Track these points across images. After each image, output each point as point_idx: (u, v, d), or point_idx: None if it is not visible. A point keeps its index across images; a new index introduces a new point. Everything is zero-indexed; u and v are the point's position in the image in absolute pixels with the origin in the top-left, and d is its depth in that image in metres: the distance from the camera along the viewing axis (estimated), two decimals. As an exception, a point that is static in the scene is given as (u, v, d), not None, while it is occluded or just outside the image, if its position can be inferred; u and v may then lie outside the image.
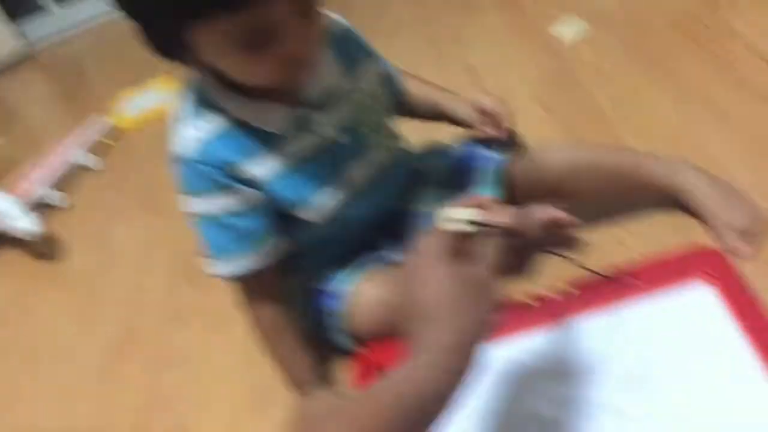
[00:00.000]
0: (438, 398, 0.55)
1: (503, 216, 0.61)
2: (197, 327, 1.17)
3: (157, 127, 1.84)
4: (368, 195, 0.90)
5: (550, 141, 1.23)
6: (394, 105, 0.97)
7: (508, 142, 0.96)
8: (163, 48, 0.74)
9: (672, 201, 0.97)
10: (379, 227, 0.96)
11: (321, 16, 0.74)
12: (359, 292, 0.87)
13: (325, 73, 0.84)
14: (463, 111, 0.96)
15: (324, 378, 0.92)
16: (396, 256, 0.95)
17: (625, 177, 0.96)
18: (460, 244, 0.60)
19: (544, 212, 0.96)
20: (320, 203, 0.86)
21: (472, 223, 0.58)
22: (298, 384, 0.91)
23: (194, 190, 0.82)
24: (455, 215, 0.58)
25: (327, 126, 0.84)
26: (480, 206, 0.61)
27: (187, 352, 1.13)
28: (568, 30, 1.52)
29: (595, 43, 1.46)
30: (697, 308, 0.78)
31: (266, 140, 0.81)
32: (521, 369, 0.79)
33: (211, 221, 0.83)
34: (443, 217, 0.59)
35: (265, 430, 0.94)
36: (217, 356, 1.10)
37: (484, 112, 0.94)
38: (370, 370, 0.83)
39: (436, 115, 1.01)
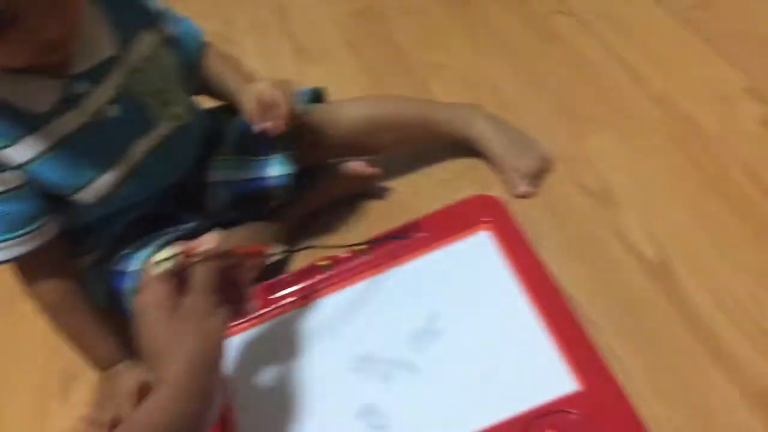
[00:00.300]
0: (190, 420, 0.60)
1: (206, 244, 0.66)
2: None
3: None
4: (153, 170, 0.85)
5: (349, 85, 1.24)
6: (185, 74, 0.90)
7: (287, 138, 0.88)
8: None
9: (468, 148, 1.01)
10: (175, 198, 0.92)
11: None
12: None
13: (96, 44, 0.77)
14: (246, 103, 0.85)
15: (124, 353, 0.89)
16: (191, 226, 0.92)
17: (419, 128, 0.99)
18: (173, 283, 0.64)
19: (345, 166, 0.99)
20: (93, 185, 0.81)
21: (175, 258, 0.63)
22: (98, 362, 0.89)
23: None
24: (157, 259, 0.63)
25: (97, 100, 0.78)
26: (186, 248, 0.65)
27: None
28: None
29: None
30: (477, 256, 0.82)
31: (26, 119, 0.74)
32: (313, 333, 0.80)
33: None
34: (149, 264, 0.63)
35: (72, 412, 0.91)
36: (16, 341, 1.04)
37: (263, 105, 0.84)
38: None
39: (228, 101, 0.94)
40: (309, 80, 1.28)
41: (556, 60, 1.14)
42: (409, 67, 1.23)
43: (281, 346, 0.80)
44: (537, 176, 0.96)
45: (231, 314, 0.67)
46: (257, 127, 0.83)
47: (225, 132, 0.95)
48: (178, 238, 0.87)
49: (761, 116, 0.94)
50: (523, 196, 0.95)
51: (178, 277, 0.64)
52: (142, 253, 0.86)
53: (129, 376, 0.87)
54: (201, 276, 0.65)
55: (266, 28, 1.48)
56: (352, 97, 1.17)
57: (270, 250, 0.76)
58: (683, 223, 0.86)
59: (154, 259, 0.63)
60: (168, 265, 0.63)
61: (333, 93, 1.03)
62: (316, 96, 0.99)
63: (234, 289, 0.69)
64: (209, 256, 0.65)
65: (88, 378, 0.94)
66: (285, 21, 1.47)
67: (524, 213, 0.93)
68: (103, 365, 0.88)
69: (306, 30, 1.43)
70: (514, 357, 0.72)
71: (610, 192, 0.92)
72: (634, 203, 0.90)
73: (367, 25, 1.37)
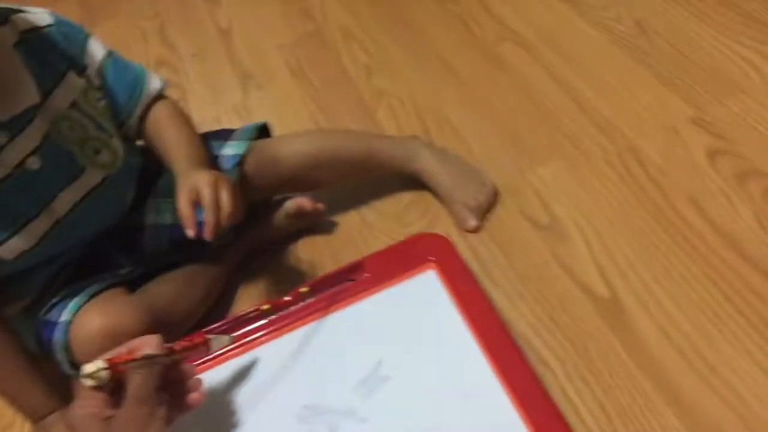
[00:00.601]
0: None
1: (145, 348, 0.62)
2: None
3: None
4: (79, 221, 0.81)
5: (294, 111, 1.21)
6: (121, 119, 0.85)
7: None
8: None
9: (415, 180, 0.99)
10: (110, 238, 0.88)
11: None
12: (79, 323, 0.79)
13: (17, 93, 0.72)
14: (179, 196, 0.75)
15: (58, 402, 0.84)
16: (125, 271, 0.88)
17: (362, 163, 0.97)
18: (106, 392, 0.60)
19: (290, 203, 0.96)
20: (9, 243, 0.76)
21: (105, 369, 0.59)
22: (29, 412, 0.83)
23: None
24: (88, 371, 0.58)
25: (17, 153, 0.73)
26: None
27: None
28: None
29: (346, 2, 1.43)
30: (423, 296, 0.79)
31: None
32: (255, 382, 0.77)
33: None
34: (81, 376, 0.59)
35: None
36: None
37: (194, 207, 0.75)
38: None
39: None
40: (254, 106, 1.27)
41: (503, 87, 1.13)
42: (355, 94, 1.21)
43: (222, 397, 0.76)
44: (485, 209, 0.95)
45: (173, 410, 0.63)
46: (188, 233, 0.73)
47: (164, 173, 0.91)
48: (111, 285, 0.84)
49: (707, 147, 0.94)
50: (472, 231, 0.93)
51: (115, 382, 0.60)
52: (72, 303, 0.81)
53: (63, 427, 0.83)
54: (137, 384, 0.60)
55: (209, 53, 1.44)
56: (296, 129, 1.16)
57: (213, 339, 0.72)
58: (631, 257, 0.85)
59: (85, 371, 0.58)
60: (101, 376, 0.58)
61: (278, 119, 1.02)
62: (261, 132, 0.96)
63: (175, 385, 0.65)
64: (149, 362, 0.61)
65: (20, 429, 0.89)
66: (228, 46, 1.44)
67: (473, 248, 0.92)
68: (35, 416, 0.83)
69: (250, 56, 1.40)
70: (462, 405, 0.70)
71: (559, 224, 0.91)
72: (583, 236, 0.89)
73: (312, 51, 1.35)
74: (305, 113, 1.21)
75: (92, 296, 0.81)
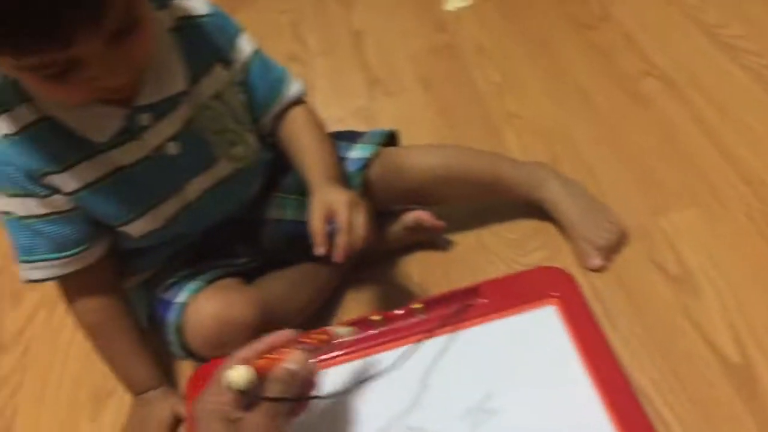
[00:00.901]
0: None
1: (290, 364, 0.61)
2: (32, 305, 1.08)
3: None
4: (206, 208, 0.82)
5: (420, 123, 1.20)
6: (256, 116, 0.86)
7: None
8: None
9: (539, 209, 0.96)
10: (229, 228, 0.88)
11: (147, 28, 0.64)
12: (194, 307, 0.80)
13: (167, 78, 0.73)
14: (313, 212, 0.76)
15: (161, 379, 0.86)
16: (242, 261, 0.89)
17: (489, 185, 0.94)
18: (243, 397, 0.59)
19: (410, 215, 0.95)
20: (140, 221, 0.77)
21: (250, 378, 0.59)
22: (133, 385, 0.86)
23: (1, 188, 0.72)
24: (234, 373, 0.58)
25: (159, 135, 0.74)
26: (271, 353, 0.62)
27: (23, 333, 1.04)
28: (458, 3, 1.47)
29: (482, 19, 1.41)
30: (541, 332, 0.76)
31: (83, 147, 0.71)
32: (361, 392, 0.75)
33: (17, 222, 0.74)
34: (225, 376, 0.58)
35: (99, 429, 0.89)
36: (54, 349, 1.01)
37: (329, 227, 0.75)
38: (201, 384, 0.78)
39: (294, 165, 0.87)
40: (378, 112, 1.27)
41: (641, 124, 1.08)
42: (484, 112, 1.19)
43: (325, 403, 0.75)
44: (611, 250, 0.90)
45: (291, 415, 0.62)
46: (317, 250, 0.74)
47: (291, 169, 0.91)
48: (228, 274, 0.84)
49: None
50: (595, 270, 0.89)
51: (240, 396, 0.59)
52: (190, 285, 0.82)
53: (163, 405, 0.85)
54: (279, 392, 0.60)
55: (339, 53, 1.45)
56: (419, 140, 1.15)
57: (337, 333, 0.70)
58: (769, 323, 0.79)
59: (231, 373, 0.58)
60: (248, 381, 0.58)
61: (401, 128, 1.00)
62: (389, 139, 0.95)
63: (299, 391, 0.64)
64: (290, 376, 0.60)
65: (119, 398, 0.91)
66: (359, 49, 1.44)
67: (595, 289, 0.88)
68: (137, 389, 0.86)
69: (380, 61, 1.40)
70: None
71: (691, 276, 0.86)
72: (717, 292, 0.84)
73: (442, 64, 1.33)
74: (429, 125, 1.20)
75: (210, 282, 0.81)
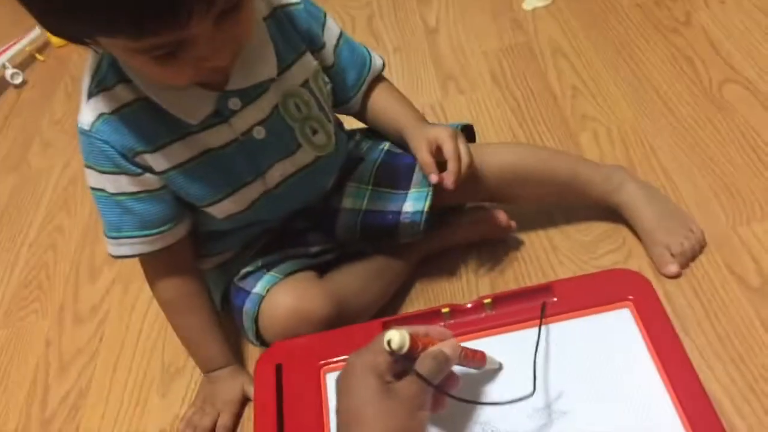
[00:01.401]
0: None
1: (445, 347, 0.63)
2: (109, 280, 1.11)
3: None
4: (288, 194, 0.84)
5: (493, 121, 1.20)
6: (344, 103, 0.90)
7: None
8: (61, 36, 0.64)
9: (614, 212, 0.95)
10: (304, 215, 0.90)
11: (250, 9, 0.66)
12: (271, 299, 0.82)
13: (259, 65, 0.75)
14: (418, 148, 0.83)
15: (232, 358, 0.88)
16: (316, 249, 0.90)
17: (566, 186, 0.93)
18: (396, 364, 0.61)
19: (485, 212, 0.95)
20: (225, 202, 0.80)
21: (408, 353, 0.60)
22: (204, 363, 0.88)
23: (93, 164, 0.75)
24: (395, 336, 0.59)
25: (247, 120, 0.76)
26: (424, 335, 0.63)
27: (99, 307, 1.08)
28: (536, 3, 1.45)
29: (560, 20, 1.40)
30: (615, 335, 0.75)
31: (176, 128, 0.74)
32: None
33: (108, 198, 0.76)
34: (385, 336, 0.60)
35: (171, 407, 0.91)
36: (128, 324, 1.04)
37: (437, 155, 0.82)
38: (270, 366, 0.80)
39: (391, 135, 0.92)
40: (452, 108, 1.27)
41: (723, 132, 1.05)
42: (559, 114, 1.18)
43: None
44: (689, 257, 0.88)
45: (433, 403, 0.63)
46: (432, 179, 0.80)
47: (365, 159, 0.92)
48: (303, 267, 0.86)
49: None
50: (672, 277, 0.87)
51: (403, 358, 0.61)
52: (267, 277, 0.84)
53: (233, 384, 0.87)
54: (430, 369, 0.60)
55: (413, 49, 1.45)
56: (492, 138, 1.15)
57: (490, 363, 0.72)
58: None
59: (391, 335, 0.59)
60: (403, 344, 0.59)
61: (475, 125, 0.99)
62: (466, 134, 0.95)
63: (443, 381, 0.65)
64: (442, 359, 0.62)
65: (189, 375, 0.94)
66: (434, 45, 1.45)
67: (669, 295, 0.86)
68: (208, 366, 0.88)
69: (454, 58, 1.39)
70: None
71: (771, 289, 0.84)
72: (798, 308, 0.81)
73: (518, 63, 1.32)
74: (503, 123, 1.19)
75: (286, 275, 0.83)
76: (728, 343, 0.80)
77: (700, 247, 0.89)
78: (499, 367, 0.74)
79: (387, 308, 0.92)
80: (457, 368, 0.67)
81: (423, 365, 0.60)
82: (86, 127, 0.72)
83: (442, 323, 0.81)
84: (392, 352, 0.59)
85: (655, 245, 0.89)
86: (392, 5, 1.62)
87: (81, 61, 1.74)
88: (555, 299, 0.80)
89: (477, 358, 0.70)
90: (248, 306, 0.83)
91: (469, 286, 0.95)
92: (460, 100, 1.28)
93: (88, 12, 0.56)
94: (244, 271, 0.86)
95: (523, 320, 0.79)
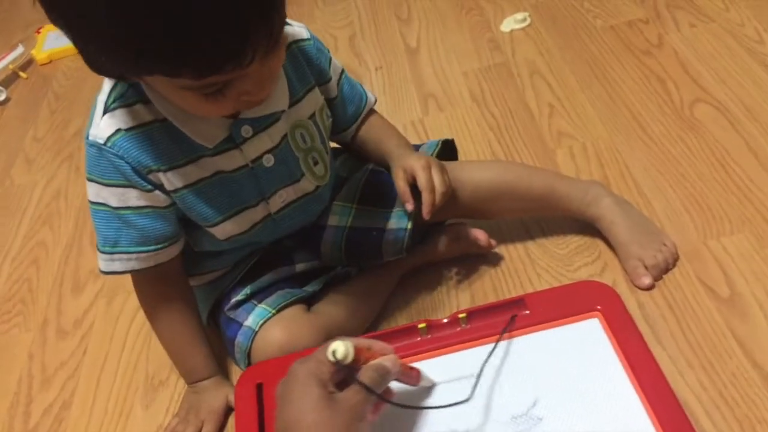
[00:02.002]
0: None
1: (386, 361, 0.65)
2: (93, 294, 1.12)
3: (68, 64, 1.80)
4: (286, 219, 0.87)
5: (471, 139, 1.23)
6: (340, 132, 0.95)
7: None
8: (99, 72, 0.66)
9: (590, 225, 0.98)
10: (291, 238, 0.92)
11: (282, 50, 0.69)
12: (263, 335, 0.84)
13: (274, 97, 0.78)
14: (397, 177, 0.88)
15: (216, 369, 0.89)
16: (303, 267, 0.93)
17: (542, 200, 0.96)
18: (338, 373, 0.62)
19: (465, 230, 0.97)
20: (228, 223, 0.82)
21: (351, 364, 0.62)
22: (188, 373, 0.90)
23: (99, 178, 0.76)
24: (337, 346, 0.61)
25: (258, 148, 0.79)
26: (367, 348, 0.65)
27: (83, 321, 1.08)
28: (513, 25, 1.49)
29: (537, 41, 1.44)
30: (585, 344, 0.77)
31: (190, 150, 0.76)
32: (406, 397, 0.76)
33: (108, 213, 0.78)
34: (330, 347, 0.61)
35: (155, 417, 0.92)
36: (111, 336, 1.05)
37: (413, 184, 0.87)
38: (250, 385, 0.81)
39: (376, 160, 0.96)
40: (432, 125, 1.30)
41: (694, 150, 1.09)
42: (536, 132, 1.21)
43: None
44: (662, 270, 0.91)
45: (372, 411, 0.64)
46: (407, 207, 0.86)
47: (351, 178, 0.95)
48: (293, 298, 0.88)
49: None
50: (645, 289, 0.90)
51: (345, 371, 0.63)
52: (259, 311, 0.86)
53: (217, 394, 0.88)
54: (372, 380, 0.62)
55: (395, 68, 1.49)
56: (472, 155, 1.19)
57: (424, 381, 0.75)
58: (819, 351, 0.80)
59: (335, 346, 0.61)
60: (347, 356, 0.61)
61: (455, 142, 1.02)
62: (448, 148, 0.98)
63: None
64: (382, 371, 0.64)
65: (172, 387, 0.95)
66: (414, 65, 1.48)
67: (642, 306, 0.89)
68: (192, 377, 0.89)
69: (434, 77, 1.43)
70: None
71: (741, 300, 0.87)
72: (765, 315, 0.84)
73: (496, 82, 1.36)
74: (483, 141, 1.23)
75: (277, 310, 0.85)
76: (699, 351, 0.82)
77: (672, 260, 0.92)
78: (432, 386, 0.76)
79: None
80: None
81: (365, 376, 0.62)
82: (101, 141, 0.74)
83: (419, 338, 0.83)
84: (336, 363, 0.61)
85: (630, 258, 0.92)
86: (374, 25, 1.66)
87: (64, 78, 1.76)
88: (527, 312, 0.82)
89: (413, 374, 0.72)
90: (240, 339, 0.85)
91: (450, 299, 0.97)
92: (441, 118, 1.31)
93: (156, 56, 0.58)
94: (234, 300, 0.88)
95: (496, 333, 0.81)
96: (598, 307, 0.81)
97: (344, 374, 0.62)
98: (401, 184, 0.86)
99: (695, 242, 0.95)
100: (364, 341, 0.66)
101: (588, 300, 0.82)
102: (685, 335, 0.85)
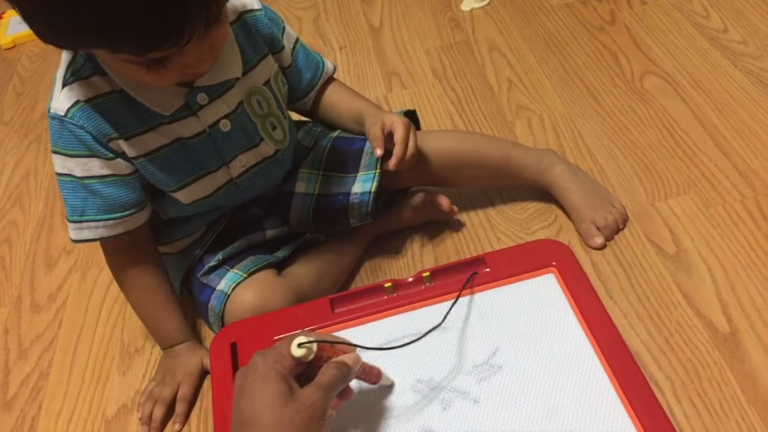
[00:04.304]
0: None
1: (348, 359, 0.65)
2: (66, 270, 1.14)
3: (32, 48, 1.80)
4: (249, 183, 0.90)
5: (434, 114, 1.27)
6: (298, 100, 0.98)
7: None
8: (52, 44, 0.68)
9: (543, 190, 1.03)
10: (259, 205, 0.96)
11: (224, 26, 0.73)
12: (235, 298, 0.87)
13: (226, 65, 0.81)
14: (371, 126, 0.91)
15: (190, 334, 0.92)
16: (273, 233, 0.96)
17: (500, 168, 1.00)
18: (299, 368, 0.62)
19: (429, 196, 1.01)
20: (191, 188, 0.85)
21: (313, 351, 0.62)
22: (163, 339, 0.92)
23: (63, 150, 0.79)
24: (300, 341, 0.61)
25: (214, 114, 0.83)
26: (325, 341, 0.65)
27: (57, 295, 1.10)
28: (473, 4, 1.54)
29: (496, 19, 1.48)
30: (541, 297, 0.82)
31: (148, 118, 0.79)
32: (376, 353, 0.80)
33: (74, 183, 0.80)
34: (291, 343, 0.61)
35: (132, 383, 0.95)
36: (86, 308, 1.08)
37: (388, 137, 0.90)
38: (225, 344, 0.84)
39: (345, 124, 0.99)
40: (396, 103, 1.34)
41: (644, 120, 1.15)
42: (496, 105, 1.26)
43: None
44: (613, 230, 0.97)
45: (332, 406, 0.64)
46: (377, 152, 0.89)
47: (316, 146, 0.99)
48: (264, 263, 0.91)
49: None
50: (597, 248, 0.96)
51: (306, 366, 0.63)
52: (231, 275, 0.89)
53: (192, 357, 0.91)
54: (331, 378, 0.62)
55: (358, 48, 1.52)
56: (438, 129, 1.21)
57: (384, 380, 0.76)
58: (758, 302, 0.85)
59: (297, 341, 0.61)
60: (309, 352, 0.61)
61: (418, 117, 1.06)
62: (409, 119, 1.02)
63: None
64: (344, 369, 0.64)
65: (148, 354, 0.97)
66: (378, 44, 1.51)
67: (595, 264, 0.94)
68: (167, 342, 0.92)
69: (397, 55, 1.46)
70: (575, 401, 0.72)
71: (686, 256, 0.92)
72: (710, 271, 0.90)
73: (457, 60, 1.40)
74: (445, 115, 1.27)
75: (249, 273, 0.88)
76: (647, 304, 0.88)
77: (622, 221, 0.98)
78: (392, 385, 0.78)
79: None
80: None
81: (326, 373, 0.62)
82: (61, 114, 0.76)
83: (386, 296, 0.87)
84: (300, 358, 0.61)
85: (582, 221, 0.97)
86: (337, 6, 1.68)
87: (29, 62, 1.76)
88: (487, 269, 0.87)
89: (374, 373, 0.73)
90: (213, 303, 0.88)
91: (414, 262, 1.01)
92: (404, 95, 1.35)
93: (97, 33, 0.62)
94: (207, 265, 0.91)
95: (458, 289, 0.85)
96: (554, 263, 0.86)
97: (307, 368, 0.63)
98: (377, 131, 0.89)
99: (644, 204, 1.00)
100: (327, 337, 0.67)
101: (544, 257, 0.87)
102: (634, 290, 0.90)
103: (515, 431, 0.71)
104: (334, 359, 0.64)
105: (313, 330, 0.67)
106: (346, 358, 0.65)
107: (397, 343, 0.79)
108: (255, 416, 0.58)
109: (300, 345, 0.61)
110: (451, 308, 0.80)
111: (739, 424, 0.75)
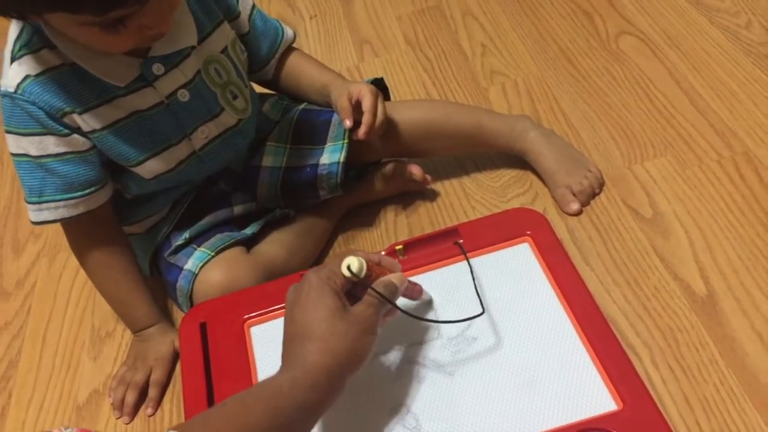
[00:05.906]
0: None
1: (393, 278, 0.68)
2: (33, 255, 1.12)
3: None
4: (211, 155, 0.87)
5: (407, 81, 1.24)
6: (253, 69, 0.94)
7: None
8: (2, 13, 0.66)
9: (518, 157, 1.00)
10: (226, 177, 0.93)
11: None
12: (203, 277, 0.84)
13: (180, 33, 0.79)
14: (338, 97, 0.89)
15: (160, 316, 0.90)
16: (241, 210, 0.94)
17: (472, 137, 0.98)
18: (347, 285, 0.64)
19: (401, 166, 0.99)
20: (153, 161, 0.82)
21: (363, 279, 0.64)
22: (133, 323, 0.90)
23: (16, 128, 0.76)
24: (350, 262, 0.63)
25: (171, 84, 0.80)
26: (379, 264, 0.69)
27: (25, 281, 1.08)
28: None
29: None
30: (516, 267, 0.81)
31: (103, 90, 0.76)
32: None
33: (30, 162, 0.78)
34: (345, 263, 0.63)
35: (102, 367, 0.93)
36: (54, 294, 1.05)
37: (356, 106, 0.88)
38: (194, 324, 0.83)
39: (309, 95, 0.97)
40: (368, 70, 1.31)
41: (619, 81, 1.13)
42: (470, 72, 1.23)
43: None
44: (589, 195, 0.95)
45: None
46: (346, 123, 0.86)
47: (283, 119, 0.96)
48: (232, 240, 0.88)
49: (827, 162, 0.92)
50: (573, 214, 0.94)
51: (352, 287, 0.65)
52: (199, 254, 0.87)
53: (163, 340, 0.89)
54: (385, 293, 0.65)
55: (329, 17, 1.48)
56: (407, 97, 1.19)
57: (425, 295, 0.78)
58: (736, 262, 0.84)
59: (348, 261, 0.63)
60: (361, 271, 0.63)
61: (390, 86, 1.04)
62: (377, 87, 0.99)
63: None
64: (391, 288, 0.66)
65: (119, 338, 0.96)
66: (349, 12, 1.48)
67: (571, 230, 0.92)
68: (137, 326, 0.90)
69: (369, 23, 1.43)
70: (551, 371, 0.71)
71: (663, 219, 0.91)
72: (686, 233, 0.89)
73: (430, 25, 1.37)
74: (417, 82, 1.24)
75: (217, 252, 0.86)
76: (624, 269, 0.87)
77: (598, 185, 0.96)
78: (430, 299, 0.80)
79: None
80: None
81: (380, 288, 0.65)
82: (11, 90, 0.74)
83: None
84: (350, 277, 0.63)
85: (558, 186, 0.95)
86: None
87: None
88: (461, 240, 0.85)
89: (416, 290, 0.76)
90: (182, 283, 0.86)
91: (388, 235, 0.99)
92: (376, 63, 1.32)
93: None
94: (174, 245, 0.88)
95: (432, 262, 0.84)
96: (528, 232, 0.84)
97: (353, 287, 0.65)
98: (345, 102, 0.87)
99: (620, 167, 0.99)
100: (374, 256, 0.70)
101: (518, 226, 0.85)
102: (611, 255, 0.89)
103: (490, 403, 0.70)
104: (381, 278, 0.67)
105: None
106: (392, 277, 0.68)
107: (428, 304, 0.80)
108: (310, 328, 0.60)
109: (350, 265, 0.63)
110: (478, 294, 0.79)
111: (717, 387, 0.74)
